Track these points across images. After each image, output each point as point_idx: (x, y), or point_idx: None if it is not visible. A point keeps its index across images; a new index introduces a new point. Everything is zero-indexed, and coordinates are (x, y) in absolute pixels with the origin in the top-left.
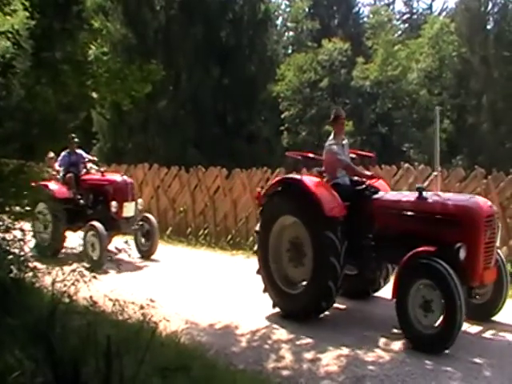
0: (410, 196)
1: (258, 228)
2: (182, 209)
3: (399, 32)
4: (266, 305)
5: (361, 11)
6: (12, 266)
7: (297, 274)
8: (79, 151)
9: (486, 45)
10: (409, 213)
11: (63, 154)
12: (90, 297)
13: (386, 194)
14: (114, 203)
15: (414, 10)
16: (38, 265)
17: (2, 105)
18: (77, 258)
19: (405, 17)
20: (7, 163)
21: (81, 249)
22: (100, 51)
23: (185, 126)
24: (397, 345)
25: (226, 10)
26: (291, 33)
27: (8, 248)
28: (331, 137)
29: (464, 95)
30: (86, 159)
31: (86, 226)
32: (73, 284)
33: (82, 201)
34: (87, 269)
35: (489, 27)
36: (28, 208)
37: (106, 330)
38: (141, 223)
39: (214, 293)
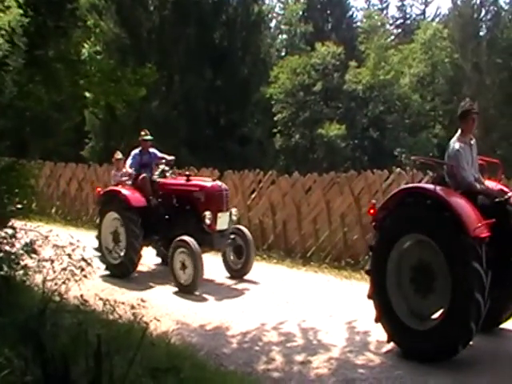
0: None
1: (373, 243)
2: None
3: (392, 37)
4: (255, 306)
5: (354, 15)
6: (2, 264)
7: (425, 307)
8: (152, 150)
9: (479, 51)
10: None
11: (134, 152)
12: (81, 295)
13: None
14: (207, 214)
15: (407, 16)
16: (29, 263)
17: None
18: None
19: (398, 22)
20: None
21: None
22: (93, 50)
23: (177, 126)
24: (387, 349)
25: (220, 12)
26: (285, 35)
27: None
28: (458, 134)
29: (456, 101)
30: (161, 160)
31: (158, 239)
32: (63, 283)
33: (166, 210)
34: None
35: (481, 34)
36: (19, 206)
37: (96, 329)
38: (232, 237)
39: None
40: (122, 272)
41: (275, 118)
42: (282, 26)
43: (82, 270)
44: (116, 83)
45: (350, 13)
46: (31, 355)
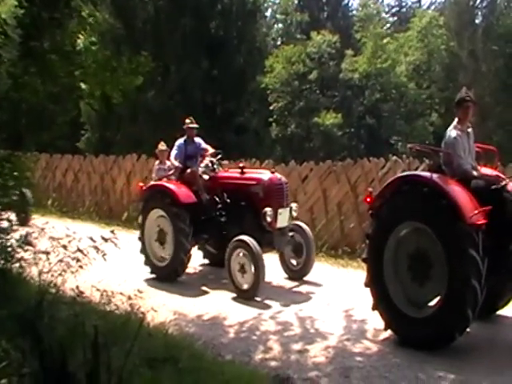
0: None
1: (369, 231)
2: None
3: (388, 25)
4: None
5: (350, 4)
6: None
7: (422, 294)
8: (198, 140)
9: (475, 39)
10: None
11: (179, 142)
12: (77, 287)
13: None
14: (268, 210)
15: (403, 4)
16: (25, 255)
17: None
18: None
19: (394, 10)
20: None
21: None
22: (88, 41)
23: (174, 116)
24: (384, 336)
25: (216, 1)
26: (280, 25)
27: None
28: (454, 122)
29: (452, 88)
30: (206, 151)
31: (207, 239)
32: (60, 274)
33: (218, 206)
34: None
35: (477, 21)
36: (15, 198)
37: (93, 321)
38: (291, 234)
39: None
40: (169, 275)
41: (271, 108)
42: (278, 15)
43: (78, 260)
44: (112, 73)
45: (346, 1)
46: (29, 347)
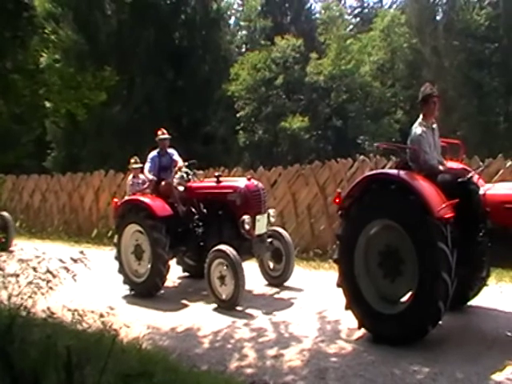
0: None
1: (339, 231)
2: None
3: (351, 26)
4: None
5: (313, 7)
6: None
7: (394, 291)
8: (171, 151)
9: (436, 35)
10: None
11: (152, 155)
12: (48, 308)
13: (495, 186)
14: (246, 218)
15: (365, 4)
16: None
17: None
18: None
19: (356, 11)
20: None
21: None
22: (52, 59)
23: (140, 129)
24: (358, 335)
25: (178, 12)
26: (244, 32)
27: None
28: (419, 119)
29: (416, 86)
30: (175, 164)
31: (185, 250)
32: (30, 297)
33: (195, 217)
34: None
35: (438, 18)
36: None
37: (65, 341)
38: (270, 240)
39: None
40: (149, 289)
41: (238, 115)
42: (242, 23)
43: (48, 282)
44: (76, 89)
45: (308, 5)
46: (0, 372)
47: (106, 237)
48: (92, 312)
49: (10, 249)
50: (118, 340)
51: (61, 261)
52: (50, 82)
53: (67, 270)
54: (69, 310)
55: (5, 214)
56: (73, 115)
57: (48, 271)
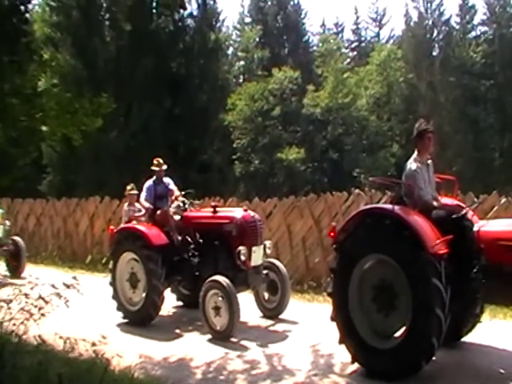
0: None
1: (334, 265)
2: None
3: (348, 60)
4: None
5: (310, 40)
6: None
7: (387, 326)
8: (167, 180)
9: (432, 70)
10: None
11: (148, 184)
12: (39, 336)
13: (490, 223)
14: (242, 249)
15: (362, 38)
16: None
17: None
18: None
19: (353, 45)
20: None
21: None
22: (49, 83)
23: (137, 156)
24: (351, 369)
25: (177, 41)
26: (242, 62)
27: None
28: (414, 154)
29: (412, 120)
30: (173, 193)
31: (180, 280)
32: (22, 323)
33: (191, 246)
34: None
35: (434, 53)
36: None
37: (57, 369)
38: (265, 272)
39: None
40: (142, 319)
41: (234, 145)
42: (239, 53)
43: (40, 308)
44: (72, 115)
45: (306, 37)
46: None
47: (100, 263)
48: (84, 340)
49: (22, 275)
50: (109, 369)
51: (53, 286)
52: (47, 107)
53: (60, 296)
54: (60, 337)
55: (17, 238)
56: (69, 140)
57: (40, 297)
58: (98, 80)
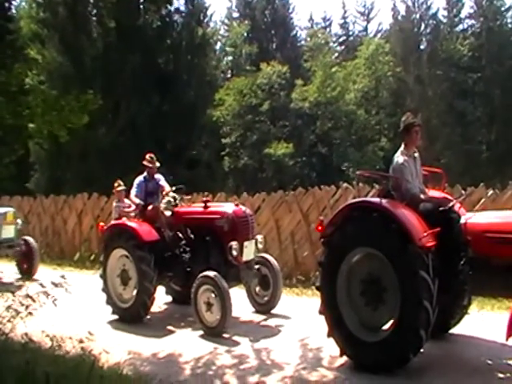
0: None
1: (322, 259)
2: None
3: (336, 54)
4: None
5: (298, 34)
6: None
7: (376, 319)
8: (158, 176)
9: (420, 64)
10: None
11: (139, 180)
12: (26, 334)
13: (477, 215)
14: (234, 244)
15: (350, 32)
16: None
17: None
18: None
19: (341, 39)
20: None
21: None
22: (36, 80)
23: (125, 153)
24: (340, 363)
25: (164, 37)
26: (230, 57)
27: None
28: (401, 148)
29: (400, 114)
30: (163, 189)
31: (171, 276)
32: (8, 321)
33: (182, 242)
34: None
35: (422, 47)
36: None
37: (44, 367)
38: (257, 267)
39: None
40: (132, 317)
41: (224, 141)
42: (227, 48)
43: (27, 307)
44: (59, 112)
45: (294, 32)
46: None
47: (88, 260)
48: (71, 338)
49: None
50: (97, 365)
51: (41, 285)
52: (33, 104)
53: (47, 294)
54: (47, 335)
55: (29, 238)
56: (56, 137)
57: (27, 296)
58: (86, 77)
